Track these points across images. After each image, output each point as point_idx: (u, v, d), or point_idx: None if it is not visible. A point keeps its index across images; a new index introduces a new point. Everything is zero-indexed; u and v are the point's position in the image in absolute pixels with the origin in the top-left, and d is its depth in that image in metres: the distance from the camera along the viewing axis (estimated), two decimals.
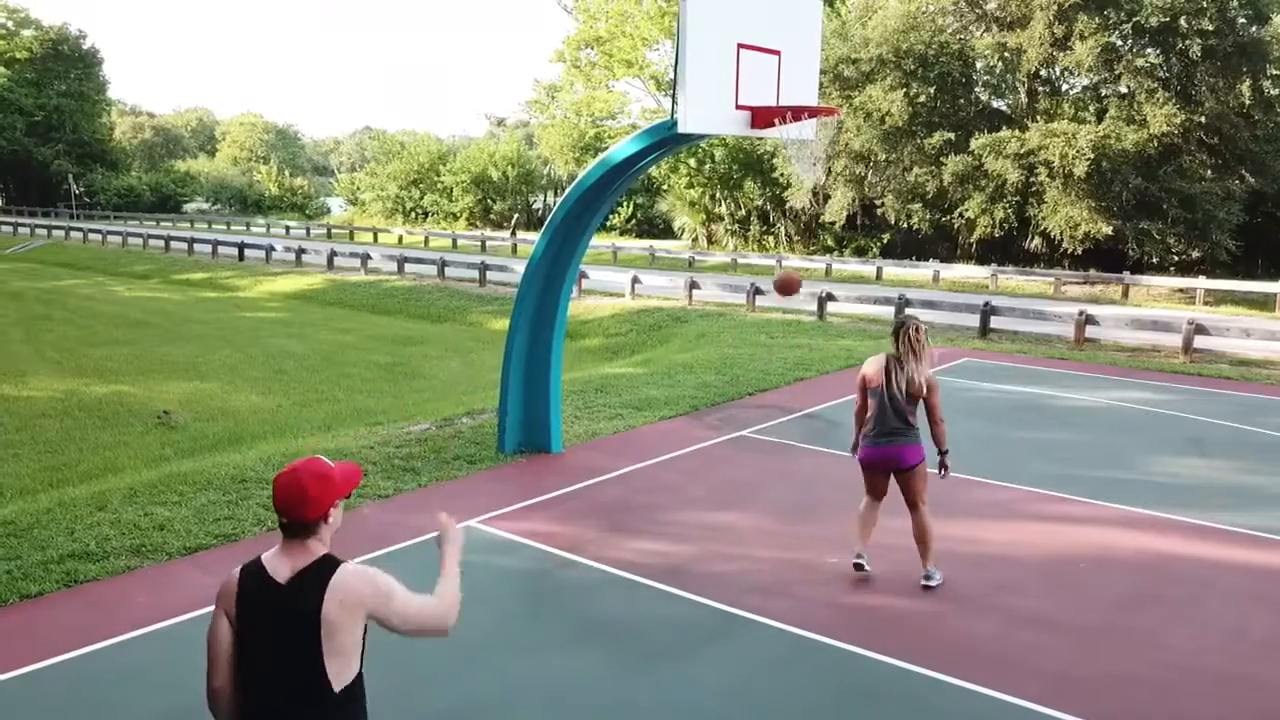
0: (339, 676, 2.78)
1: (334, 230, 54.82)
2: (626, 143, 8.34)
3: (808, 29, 8.21)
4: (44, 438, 12.88)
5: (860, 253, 38.43)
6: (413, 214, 67.48)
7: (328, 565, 2.82)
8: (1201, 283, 25.95)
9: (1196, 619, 6.11)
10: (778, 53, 7.86)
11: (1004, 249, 32.58)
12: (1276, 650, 5.69)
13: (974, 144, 29.10)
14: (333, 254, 32.63)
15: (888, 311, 19.83)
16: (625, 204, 57.98)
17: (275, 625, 2.76)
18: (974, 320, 18.59)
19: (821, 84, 32.33)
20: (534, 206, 67.32)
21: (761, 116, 7.66)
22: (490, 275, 27.28)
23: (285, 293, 29.38)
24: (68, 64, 79.22)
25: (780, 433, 10.70)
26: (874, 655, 5.52)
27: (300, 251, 34.37)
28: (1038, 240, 31.01)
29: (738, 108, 7.56)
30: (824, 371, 14.19)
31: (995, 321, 18.45)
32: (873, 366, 6.31)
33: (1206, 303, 25.79)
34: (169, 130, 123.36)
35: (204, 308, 27.01)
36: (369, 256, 31.60)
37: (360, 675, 2.87)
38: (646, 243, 44.68)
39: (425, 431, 10.56)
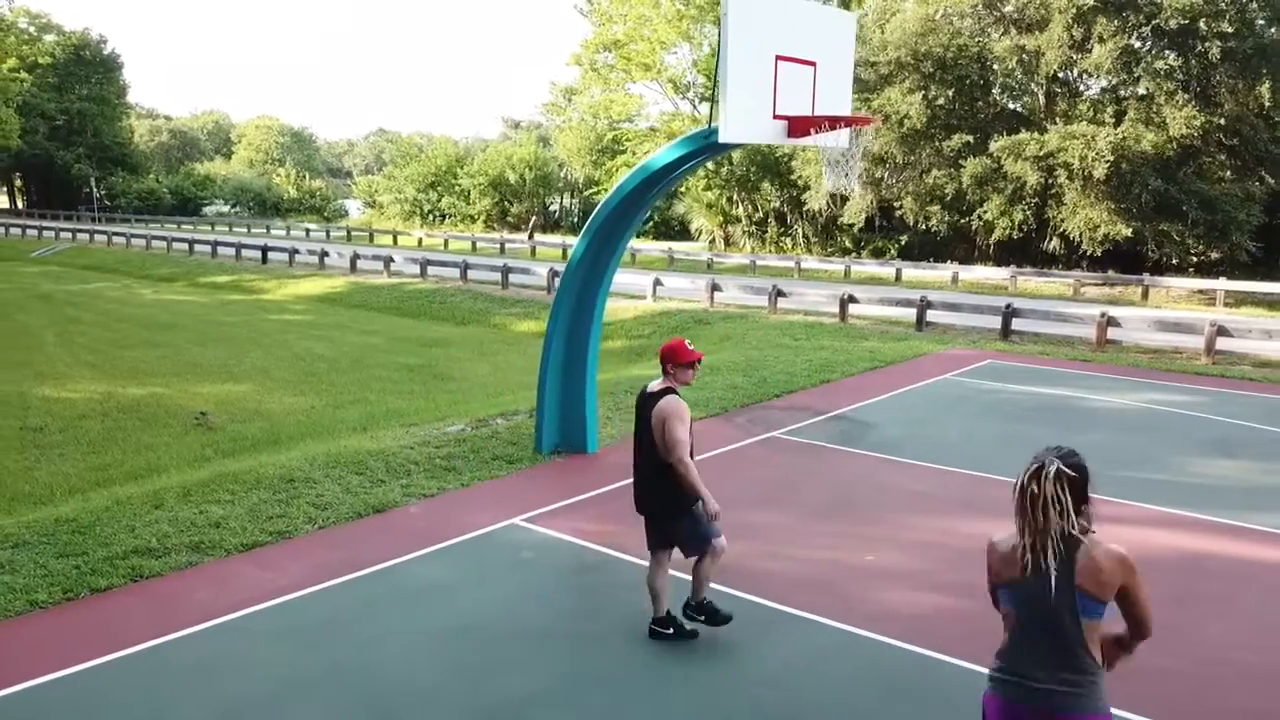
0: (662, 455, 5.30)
1: (354, 233, 55.22)
2: (666, 150, 8.55)
3: (842, 40, 8.40)
4: (86, 438, 13.19)
5: (878, 254, 38.53)
6: (430, 216, 67.93)
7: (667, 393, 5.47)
8: (1222, 284, 25.96)
9: (1231, 615, 6.27)
10: (813, 63, 8.05)
11: (1022, 251, 32.63)
12: None
13: (993, 146, 29.18)
14: (355, 256, 32.98)
15: (909, 314, 19.96)
16: None
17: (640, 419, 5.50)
18: (996, 322, 18.71)
19: None
20: (551, 209, 67.68)
21: (798, 126, 7.85)
22: (512, 278, 27.55)
23: (310, 295, 29.72)
24: (89, 69, 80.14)
25: (811, 434, 10.88)
26: (915, 649, 5.70)
27: (323, 254, 34.74)
28: (1056, 242, 31.05)
29: (775, 117, 7.75)
30: (849, 374, 14.36)
31: (1017, 323, 18.56)
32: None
33: (1227, 304, 25.80)
34: (185, 133, 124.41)
35: (230, 310, 27.37)
36: (391, 259, 31.93)
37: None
38: (665, 244, 44.84)
39: (461, 432, 10.80)
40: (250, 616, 6.10)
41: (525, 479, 9.07)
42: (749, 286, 23.18)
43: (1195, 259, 30.50)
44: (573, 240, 46.79)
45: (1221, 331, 16.30)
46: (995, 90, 32.33)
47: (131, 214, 72.64)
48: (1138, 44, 28.26)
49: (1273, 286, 25.75)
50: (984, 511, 8.23)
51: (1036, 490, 3.09)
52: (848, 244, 40.34)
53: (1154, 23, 27.48)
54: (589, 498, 8.50)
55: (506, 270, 27.57)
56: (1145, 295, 26.76)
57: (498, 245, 44.91)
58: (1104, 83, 30.39)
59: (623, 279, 26.54)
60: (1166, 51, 28.00)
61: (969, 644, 5.72)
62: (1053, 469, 3.09)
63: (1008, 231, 30.38)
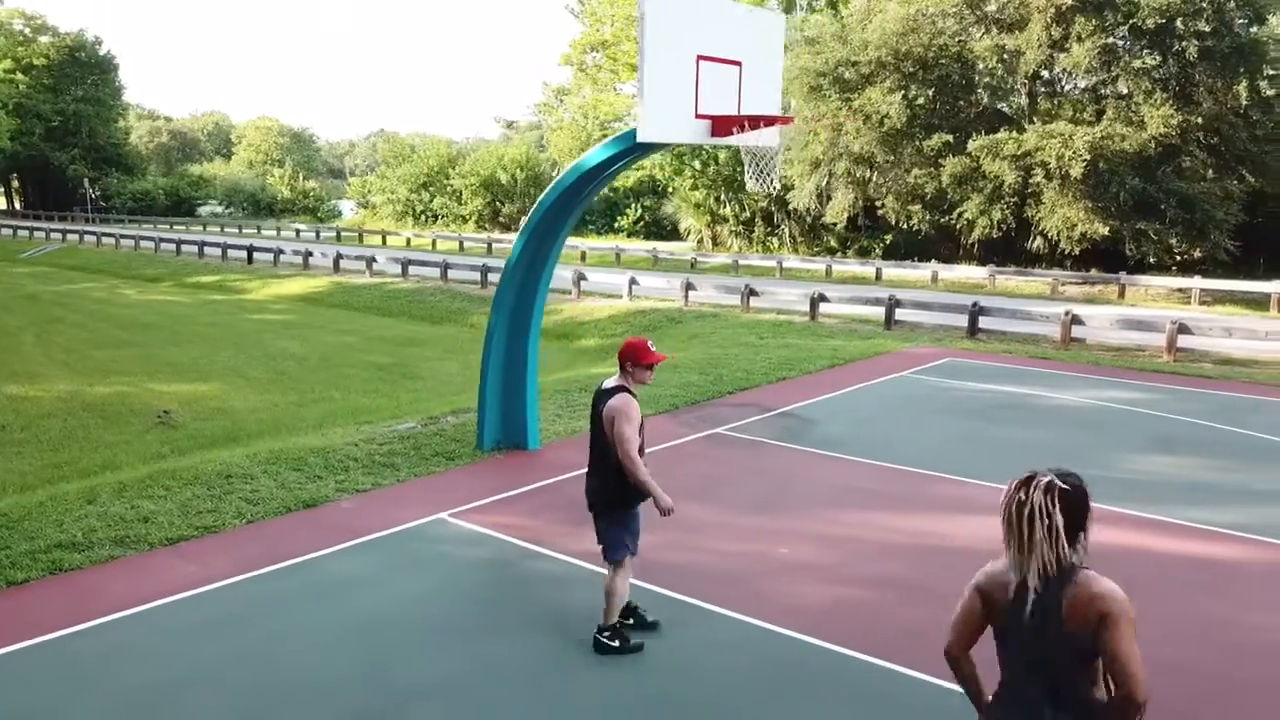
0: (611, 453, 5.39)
1: (344, 233, 55.35)
2: (597, 150, 8.65)
3: (769, 40, 8.48)
4: (47, 436, 13.30)
5: (863, 254, 38.58)
6: (422, 217, 68.01)
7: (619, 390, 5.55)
8: (1197, 282, 26.03)
9: (1153, 612, 6.33)
10: (738, 63, 8.13)
11: (1006, 249, 32.69)
12: (1204, 637, 5.93)
13: (971, 145, 29.26)
14: (339, 257, 33.08)
15: (879, 312, 20.05)
16: (633, 206, 58.32)
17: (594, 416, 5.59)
18: (963, 321, 18.79)
19: (821, 86, 32.62)
20: None
21: (721, 125, 7.93)
22: (491, 278, 27.61)
23: (292, 295, 29.82)
24: (84, 70, 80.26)
25: (754, 430, 10.97)
26: (819, 643, 5.79)
27: (307, 254, 34.86)
28: (1040, 241, 31.13)
29: (697, 116, 7.83)
30: (807, 372, 14.45)
31: (984, 322, 18.65)
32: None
33: (1204, 302, 25.88)
34: (185, 134, 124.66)
35: (211, 310, 27.48)
36: (374, 259, 32.03)
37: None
38: (651, 245, 44.96)
39: (411, 430, 10.89)
40: (163, 608, 6.20)
41: (461, 475, 9.16)
42: (723, 286, 23.28)
43: (1179, 257, 30.55)
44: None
45: (1183, 329, 16.38)
46: (979, 90, 32.38)
47: (126, 215, 72.88)
48: (1116, 43, 28.32)
49: (1249, 285, 25.83)
50: (912, 507, 8.34)
51: (1024, 499, 2.77)
52: (833, 243, 40.40)
53: (1132, 22, 27.56)
54: (521, 493, 8.59)
55: (486, 270, 27.66)
56: (1122, 294, 26.85)
57: (485, 245, 44.99)
58: (1084, 82, 30.46)
59: (601, 278, 26.81)
60: (1144, 51, 28.05)
61: (870, 637, 5.82)
62: (1045, 480, 2.77)
63: (987, 231, 30.45)
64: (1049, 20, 28.83)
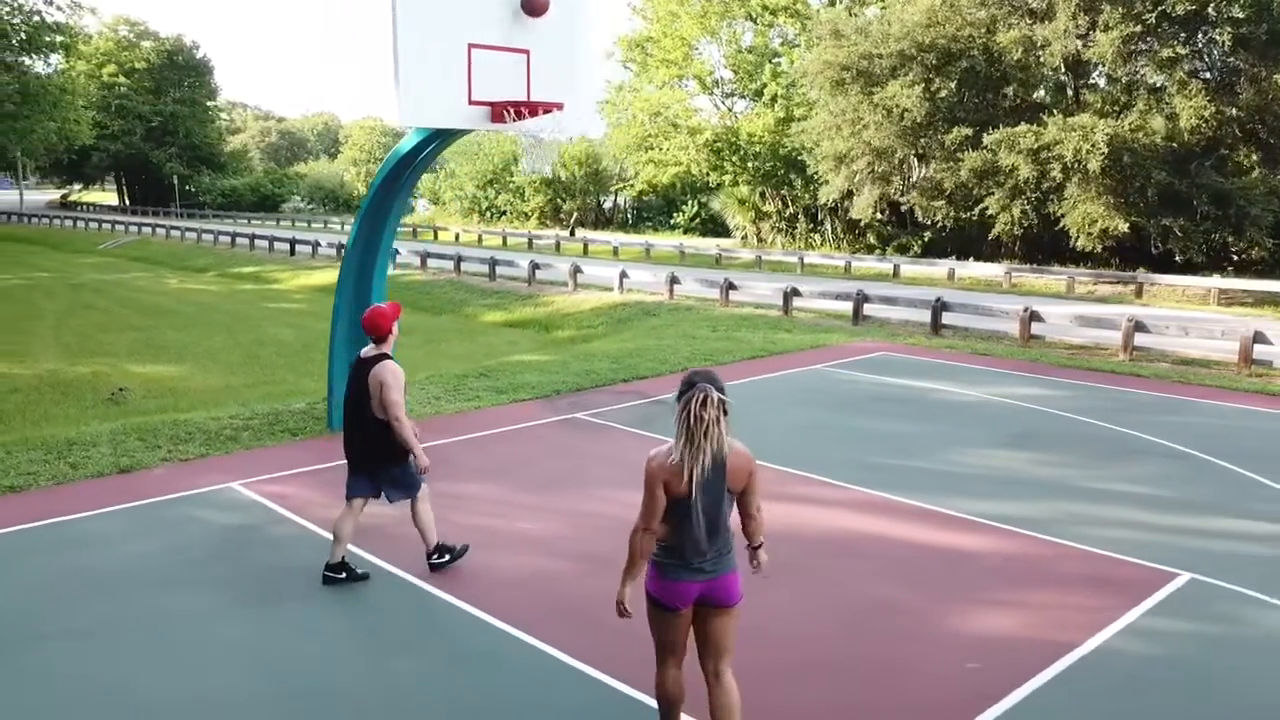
0: (379, 412, 6.01)
1: (418, 229, 56.99)
2: (407, 138, 8.99)
3: (564, 28, 8.64)
4: (3, 411, 14.29)
5: (902, 250, 37.84)
6: (488, 213, 69.47)
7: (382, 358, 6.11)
8: (1216, 281, 24.81)
9: (818, 591, 6.33)
10: (526, 51, 8.33)
11: (1044, 246, 31.61)
12: (868, 624, 5.90)
13: (987, 139, 28.44)
14: None
15: (846, 306, 19.80)
16: (690, 203, 58.42)
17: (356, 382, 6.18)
18: (928, 316, 18.41)
19: (844, 80, 32.13)
20: (604, 205, 68.37)
21: (500, 111, 8.15)
22: (500, 270, 28.23)
23: (315, 285, 31.01)
24: (182, 73, 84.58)
25: (612, 416, 11.12)
26: (466, 607, 6.00)
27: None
28: (1083, 238, 29.99)
29: (472, 103, 8.06)
30: (723, 363, 14.45)
31: (947, 318, 18.24)
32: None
33: (1241, 303, 24.60)
34: (295, 134, 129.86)
35: (236, 299, 28.82)
36: (398, 252, 32.99)
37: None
38: (686, 240, 45.06)
39: (299, 409, 11.38)
40: None
41: (289, 450, 9.60)
42: (706, 280, 23.29)
43: (1208, 256, 28.93)
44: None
45: (1139, 327, 15.75)
46: (1008, 83, 31.36)
47: (215, 210, 76.63)
48: (1145, 32, 27.09)
49: (1274, 285, 24.45)
50: None
51: (703, 416, 3.80)
52: (872, 240, 39.76)
53: (1161, 9, 26.34)
54: (324, 468, 8.95)
55: (494, 263, 28.28)
56: (1140, 293, 25.74)
57: (527, 240, 45.79)
58: (1112, 73, 29.25)
59: (597, 271, 27.11)
60: (1175, 40, 26.80)
61: (526, 609, 6.00)
62: (716, 397, 3.83)
63: (1009, 227, 29.56)
64: (1075, 9, 27.81)
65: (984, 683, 5.10)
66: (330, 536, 6.48)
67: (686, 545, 3.95)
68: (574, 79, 8.71)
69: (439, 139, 8.85)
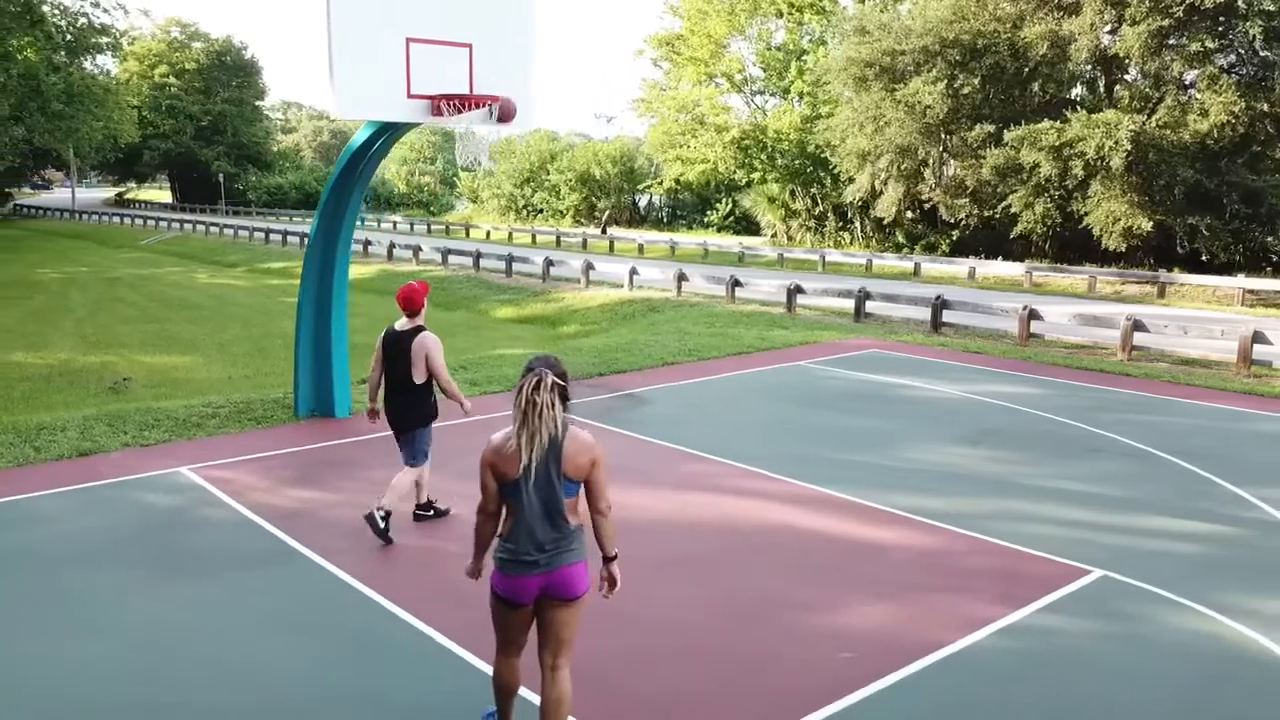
0: (420, 378, 6.81)
1: (451, 227, 57.67)
2: (359, 132, 9.15)
3: (508, 22, 8.73)
4: (10, 398, 14.79)
5: (930, 249, 37.40)
6: (525, 212, 69.99)
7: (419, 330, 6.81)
8: (1240, 281, 24.15)
9: (719, 582, 6.36)
10: (468, 45, 8.44)
11: (1078, 245, 30.95)
12: (756, 614, 5.92)
13: (1008, 136, 28.00)
14: (392, 245, 34.76)
15: (849, 304, 19.66)
16: (723, 201, 58.26)
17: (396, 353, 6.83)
18: (929, 314, 18.22)
19: (867, 77, 31.84)
20: (639, 204, 68.50)
21: (438, 105, 8.27)
22: (516, 267, 28.47)
23: None
24: (230, 73, 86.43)
25: (577, 410, 11.12)
26: (346, 577, 6.13)
27: (366, 243, 36.72)
28: (1116, 238, 29.38)
29: (411, 96, 8.19)
30: (707, 358, 14.46)
31: (948, 316, 18.03)
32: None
33: (1272, 304, 23.94)
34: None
35: (258, 293, 29.43)
36: (419, 248, 33.48)
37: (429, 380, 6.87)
38: (704, 238, 44.99)
39: (273, 398, 11.63)
40: None
41: (249, 437, 9.83)
42: (713, 277, 23.26)
43: (1251, 256, 28.19)
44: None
45: (1138, 326, 15.43)
46: (1034, 80, 30.85)
47: (260, 208, 78.22)
48: (1173, 25, 26.46)
49: None
50: (638, 481, 8.40)
51: (536, 400, 3.78)
52: (900, 239, 39.34)
53: (1189, 1, 25.71)
54: (280, 454, 9.17)
55: (511, 259, 28.53)
56: (1162, 293, 25.16)
57: (555, 238, 46.07)
58: (1139, 68, 28.61)
59: (608, 268, 27.21)
60: (1203, 34, 26.13)
61: (411, 591, 6.13)
62: (549, 380, 3.81)
63: (1032, 225, 29.07)
64: (1103, 3, 27.26)
65: (849, 674, 5.09)
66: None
67: (522, 535, 3.90)
68: (520, 73, 8.80)
69: (389, 131, 9.01)
